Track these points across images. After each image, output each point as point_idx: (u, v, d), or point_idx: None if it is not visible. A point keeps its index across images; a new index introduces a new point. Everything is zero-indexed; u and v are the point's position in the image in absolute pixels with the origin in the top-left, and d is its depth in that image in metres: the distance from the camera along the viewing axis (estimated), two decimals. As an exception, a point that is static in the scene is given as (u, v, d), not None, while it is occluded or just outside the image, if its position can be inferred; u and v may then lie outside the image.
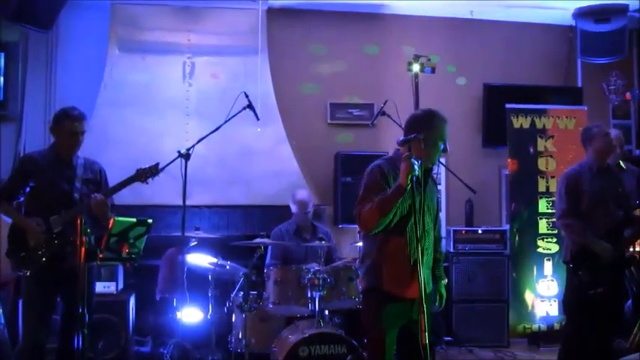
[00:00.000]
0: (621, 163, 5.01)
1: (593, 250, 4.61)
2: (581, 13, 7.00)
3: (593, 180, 4.76)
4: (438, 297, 3.64)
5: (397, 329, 3.38)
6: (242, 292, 4.85)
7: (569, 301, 4.89)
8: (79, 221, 3.37)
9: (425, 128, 3.31)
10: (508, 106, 6.82)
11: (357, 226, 5.91)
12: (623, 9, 6.80)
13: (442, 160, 6.25)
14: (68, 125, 4.17)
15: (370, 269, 3.43)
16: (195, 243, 5.08)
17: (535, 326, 6.61)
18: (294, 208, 5.61)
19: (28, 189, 4.19)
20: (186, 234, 4.91)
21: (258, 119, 5.29)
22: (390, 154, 3.54)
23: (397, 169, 3.24)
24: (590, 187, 4.74)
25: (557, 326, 6.53)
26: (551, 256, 6.60)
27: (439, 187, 5.87)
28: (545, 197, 6.69)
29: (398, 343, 3.42)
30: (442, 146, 3.39)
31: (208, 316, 5.01)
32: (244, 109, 5.17)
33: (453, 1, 6.81)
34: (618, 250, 4.60)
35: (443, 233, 6.24)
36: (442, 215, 6.85)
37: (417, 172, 3.04)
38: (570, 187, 4.81)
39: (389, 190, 3.22)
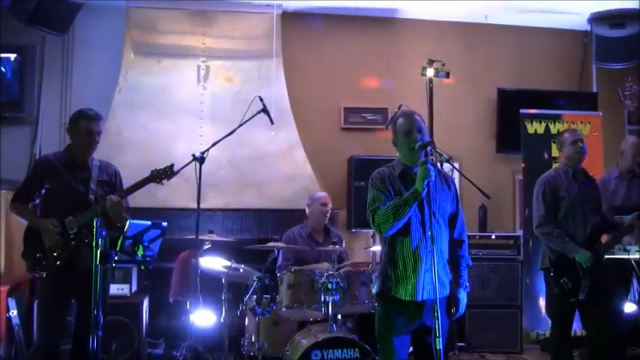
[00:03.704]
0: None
1: (571, 257, 4.58)
2: (597, 18, 6.97)
3: (570, 186, 4.72)
4: (454, 303, 3.53)
5: (409, 334, 3.39)
6: (255, 296, 4.84)
7: (552, 309, 4.87)
8: (94, 223, 3.38)
9: (392, 130, 3.47)
10: (522, 111, 6.79)
11: (370, 230, 5.92)
12: (638, 14, 6.76)
13: (456, 164, 6.22)
14: (84, 125, 4.18)
15: (381, 273, 3.46)
16: (209, 246, 5.08)
17: (548, 332, 6.56)
18: (313, 207, 5.57)
19: (43, 191, 4.20)
20: (200, 237, 4.91)
21: (272, 123, 5.27)
22: (395, 160, 3.57)
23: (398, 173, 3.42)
24: (567, 193, 4.70)
25: (570, 333, 6.49)
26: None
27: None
28: (560, 203, 6.64)
29: (412, 348, 3.41)
30: (408, 140, 3.39)
31: (221, 319, 5.01)
32: (259, 112, 5.15)
33: (468, 1, 6.79)
34: (596, 255, 4.56)
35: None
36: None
37: (432, 178, 3.12)
38: (547, 193, 4.75)
39: (388, 193, 3.33)
